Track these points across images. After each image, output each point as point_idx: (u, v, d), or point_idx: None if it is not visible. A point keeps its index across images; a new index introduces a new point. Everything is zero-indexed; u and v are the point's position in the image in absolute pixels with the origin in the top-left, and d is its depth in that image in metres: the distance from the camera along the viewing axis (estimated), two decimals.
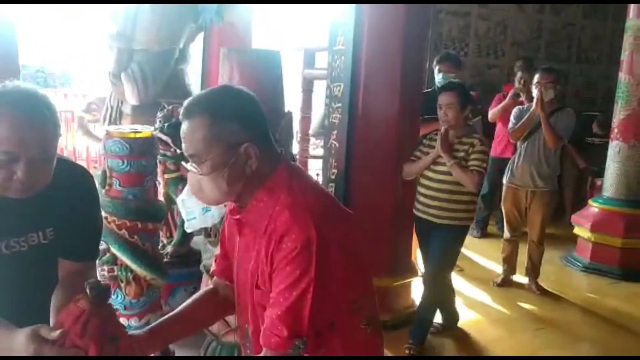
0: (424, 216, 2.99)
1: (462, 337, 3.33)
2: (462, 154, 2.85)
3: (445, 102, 2.90)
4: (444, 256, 3.02)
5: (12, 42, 2.95)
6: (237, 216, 1.27)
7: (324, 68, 4.72)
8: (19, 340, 1.17)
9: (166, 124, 3.02)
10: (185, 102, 1.23)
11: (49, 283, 1.46)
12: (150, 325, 1.36)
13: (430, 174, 2.93)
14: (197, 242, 3.28)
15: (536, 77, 3.88)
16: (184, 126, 1.22)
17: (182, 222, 3.13)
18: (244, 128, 1.20)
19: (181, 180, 3.08)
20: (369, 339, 1.33)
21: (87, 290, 1.13)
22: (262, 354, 1.19)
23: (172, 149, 3.03)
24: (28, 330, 1.17)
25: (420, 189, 3.01)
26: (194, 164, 1.22)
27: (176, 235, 3.22)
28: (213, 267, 1.48)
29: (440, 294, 3.14)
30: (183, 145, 1.23)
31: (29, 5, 3.17)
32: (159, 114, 3.11)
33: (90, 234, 1.57)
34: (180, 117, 1.23)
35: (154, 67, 3.74)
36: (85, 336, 1.11)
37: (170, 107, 3.14)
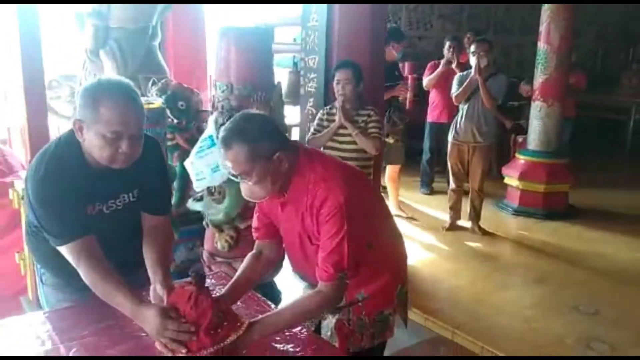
0: None
1: (424, 272, 3.91)
2: (362, 125, 3.20)
3: (342, 78, 3.18)
4: None
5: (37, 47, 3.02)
6: (281, 199, 1.67)
7: (283, 42, 5.11)
8: (147, 314, 1.53)
9: (163, 97, 3.30)
10: (221, 136, 1.57)
11: (135, 230, 1.85)
12: (222, 293, 1.69)
13: (336, 145, 3.25)
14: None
15: (473, 47, 4.46)
16: (228, 155, 1.56)
17: (179, 186, 3.46)
18: (272, 142, 1.58)
19: (177, 148, 3.38)
20: (397, 248, 1.86)
21: (191, 277, 1.55)
22: (318, 286, 1.61)
23: (169, 119, 3.32)
24: (157, 307, 1.54)
25: None
26: (244, 179, 1.59)
27: (174, 198, 3.51)
28: (256, 235, 1.85)
29: None
30: (231, 167, 1.57)
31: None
32: (153, 88, 3.38)
33: (164, 192, 1.96)
34: (220, 147, 1.58)
35: (131, 44, 3.94)
36: (198, 308, 1.51)
37: (164, 81, 3.43)
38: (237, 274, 1.78)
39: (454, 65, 5.29)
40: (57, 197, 1.61)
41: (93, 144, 1.59)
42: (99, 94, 1.57)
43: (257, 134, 1.55)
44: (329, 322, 1.80)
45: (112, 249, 1.74)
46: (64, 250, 1.65)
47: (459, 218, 4.78)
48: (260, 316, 1.61)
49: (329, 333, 1.80)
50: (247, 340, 1.53)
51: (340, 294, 1.62)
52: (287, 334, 1.66)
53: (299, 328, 1.70)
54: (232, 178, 1.64)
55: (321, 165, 1.64)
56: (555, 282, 3.81)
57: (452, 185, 4.69)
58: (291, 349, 1.59)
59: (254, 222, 1.85)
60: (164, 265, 1.74)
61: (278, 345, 1.60)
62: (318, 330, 1.85)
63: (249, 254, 1.84)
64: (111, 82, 1.64)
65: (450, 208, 4.75)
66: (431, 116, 5.71)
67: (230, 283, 1.75)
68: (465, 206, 4.76)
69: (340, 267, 1.56)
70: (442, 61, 5.41)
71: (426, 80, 5.57)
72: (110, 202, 1.75)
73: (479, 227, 4.68)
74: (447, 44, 5.41)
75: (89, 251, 1.64)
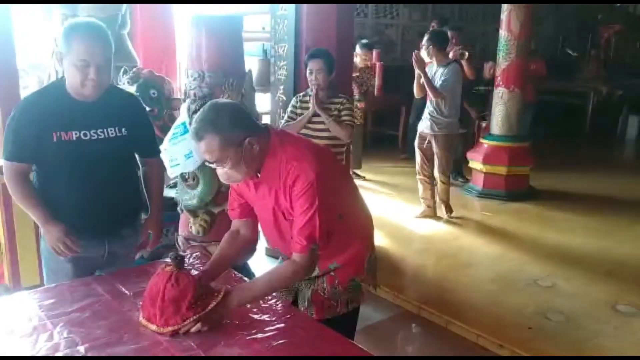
0: None
1: (393, 252, 4.07)
2: (335, 112, 3.24)
3: (315, 68, 3.21)
4: None
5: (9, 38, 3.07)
6: (255, 180, 1.77)
7: (252, 31, 5.17)
8: (53, 228, 1.95)
9: (135, 85, 3.35)
10: (192, 128, 1.66)
11: (124, 168, 2.15)
12: (203, 270, 1.82)
13: (309, 132, 3.35)
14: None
15: (425, 39, 4.53)
16: (201, 146, 1.65)
17: None
18: (241, 128, 1.66)
19: None
20: (364, 219, 1.99)
21: (171, 259, 1.68)
22: (292, 257, 1.72)
23: None
24: (61, 227, 1.95)
25: None
26: (219, 165, 1.68)
27: None
28: (232, 214, 1.95)
29: None
30: (205, 156, 1.67)
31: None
32: (125, 77, 3.42)
33: (152, 134, 2.30)
34: (193, 139, 1.67)
35: None
36: (179, 286, 1.62)
37: (135, 70, 3.47)
38: (216, 252, 1.88)
39: (466, 57, 5.24)
40: (27, 119, 1.92)
41: (68, 71, 1.90)
42: (72, 30, 1.89)
43: (227, 122, 1.64)
44: (305, 294, 1.92)
45: (106, 178, 2.03)
46: (3, 164, 1.99)
47: (432, 208, 4.81)
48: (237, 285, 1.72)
49: (305, 304, 1.92)
50: (227, 307, 1.64)
51: (312, 264, 1.74)
52: (263, 305, 1.76)
53: (274, 300, 1.81)
54: (209, 165, 1.73)
55: (292, 146, 1.74)
56: (515, 259, 4.01)
57: (417, 174, 4.75)
58: (267, 319, 1.70)
59: (230, 202, 1.95)
60: (156, 203, 2.30)
61: (255, 316, 1.71)
62: (295, 302, 1.96)
63: (227, 233, 1.94)
64: (84, 21, 2.00)
65: (421, 198, 4.82)
66: None
67: (210, 261, 1.85)
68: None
69: (313, 239, 1.67)
70: (450, 52, 5.19)
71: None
72: (92, 132, 1.98)
73: (449, 211, 4.77)
74: (449, 34, 5.27)
75: (21, 174, 1.98)
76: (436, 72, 4.45)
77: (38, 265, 2.72)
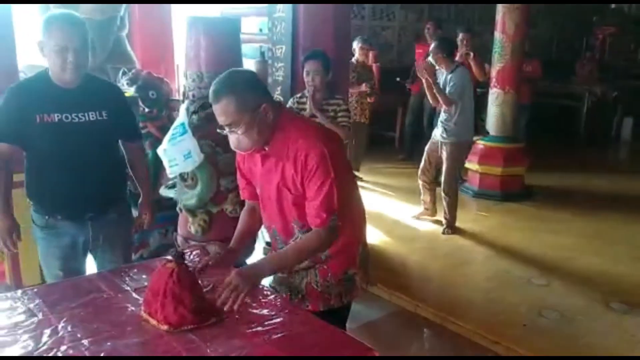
0: None
1: (390, 251, 4.12)
2: (331, 114, 3.33)
3: (312, 69, 3.26)
4: None
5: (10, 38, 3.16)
6: (263, 152, 1.82)
7: (249, 33, 5.21)
8: (6, 222, 2.11)
9: (134, 86, 3.39)
10: (212, 90, 1.70)
11: (106, 151, 2.26)
12: (228, 248, 1.96)
13: None
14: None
15: (433, 46, 4.47)
16: (218, 106, 1.70)
17: (152, 173, 3.54)
18: (258, 94, 1.73)
19: (149, 136, 3.47)
20: (357, 209, 2.02)
21: (171, 255, 1.71)
22: (312, 231, 1.78)
23: (140, 108, 3.40)
24: (13, 223, 2.14)
25: None
26: (232, 129, 1.73)
27: None
28: (243, 195, 2.03)
29: None
30: (220, 118, 1.71)
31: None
32: (124, 78, 3.45)
33: (132, 118, 2.46)
34: (211, 100, 1.71)
35: (99, 35, 3.98)
36: (181, 283, 1.65)
37: (134, 71, 3.51)
38: (238, 228, 2.00)
39: (471, 57, 5.28)
40: (11, 103, 2.08)
41: (49, 58, 2.04)
42: (50, 19, 2.05)
43: (245, 86, 1.70)
44: (299, 286, 1.95)
45: (89, 161, 2.17)
46: None
47: (428, 208, 4.83)
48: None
49: (300, 296, 1.95)
50: (260, 271, 1.76)
51: (334, 236, 1.78)
52: (262, 300, 1.80)
53: (273, 295, 1.84)
54: (220, 131, 1.78)
55: (302, 123, 1.82)
56: (510, 258, 4.06)
57: (419, 178, 4.74)
58: (266, 313, 1.73)
59: (239, 184, 2.03)
60: (144, 185, 2.52)
61: (255, 310, 1.74)
62: (290, 296, 1.99)
63: (244, 210, 2.04)
64: (60, 12, 2.14)
65: (422, 200, 4.82)
66: None
67: (234, 236, 1.98)
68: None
69: (332, 209, 1.73)
70: (462, 54, 5.29)
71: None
72: (73, 115, 2.12)
73: (449, 229, 4.58)
74: (460, 35, 5.43)
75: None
76: (446, 79, 4.37)
77: (39, 264, 2.75)
